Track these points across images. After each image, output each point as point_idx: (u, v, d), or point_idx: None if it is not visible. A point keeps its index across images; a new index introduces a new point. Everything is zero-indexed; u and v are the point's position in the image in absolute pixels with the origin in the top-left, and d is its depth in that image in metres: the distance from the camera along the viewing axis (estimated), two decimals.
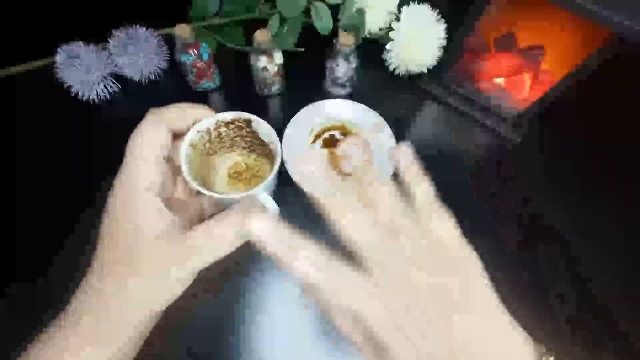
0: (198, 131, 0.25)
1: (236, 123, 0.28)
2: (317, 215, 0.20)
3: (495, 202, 0.43)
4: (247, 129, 0.28)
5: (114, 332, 0.21)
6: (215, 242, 0.22)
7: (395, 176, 0.22)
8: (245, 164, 0.32)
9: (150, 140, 0.22)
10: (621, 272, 0.40)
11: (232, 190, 0.31)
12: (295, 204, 0.30)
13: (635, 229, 0.42)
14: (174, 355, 0.32)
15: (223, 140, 0.29)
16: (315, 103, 0.45)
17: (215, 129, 0.27)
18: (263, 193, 0.25)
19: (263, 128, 0.27)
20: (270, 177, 0.25)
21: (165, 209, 0.22)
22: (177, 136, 0.25)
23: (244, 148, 0.31)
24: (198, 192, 0.24)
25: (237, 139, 0.30)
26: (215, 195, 0.24)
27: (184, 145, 0.24)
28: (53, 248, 0.35)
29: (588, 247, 0.40)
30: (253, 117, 0.27)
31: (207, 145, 0.28)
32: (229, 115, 0.27)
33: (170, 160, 0.24)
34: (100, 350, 0.21)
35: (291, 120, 0.43)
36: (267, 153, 0.30)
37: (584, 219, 0.42)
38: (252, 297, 0.35)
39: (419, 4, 0.45)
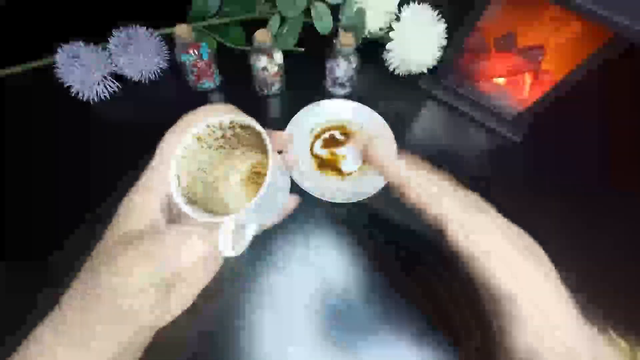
0: (207, 125, 0.24)
1: (250, 128, 0.25)
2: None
3: (495, 202, 0.43)
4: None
5: (101, 341, 0.20)
6: (172, 252, 0.21)
7: None
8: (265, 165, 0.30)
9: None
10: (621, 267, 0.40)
11: (245, 192, 0.29)
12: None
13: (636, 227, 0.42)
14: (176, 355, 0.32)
15: (241, 140, 0.27)
16: (315, 103, 0.45)
17: (230, 128, 0.25)
18: (243, 216, 0.22)
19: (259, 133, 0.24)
20: (260, 194, 0.21)
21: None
22: None
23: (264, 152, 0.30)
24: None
25: (259, 141, 0.29)
26: (194, 215, 0.21)
27: (182, 144, 0.23)
28: (52, 248, 0.35)
29: (586, 248, 0.40)
30: (251, 123, 0.24)
31: (222, 141, 0.26)
32: (227, 119, 0.24)
33: None
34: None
35: (291, 120, 0.43)
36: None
37: (583, 218, 0.42)
38: (253, 298, 0.35)
39: (419, 4, 0.45)
